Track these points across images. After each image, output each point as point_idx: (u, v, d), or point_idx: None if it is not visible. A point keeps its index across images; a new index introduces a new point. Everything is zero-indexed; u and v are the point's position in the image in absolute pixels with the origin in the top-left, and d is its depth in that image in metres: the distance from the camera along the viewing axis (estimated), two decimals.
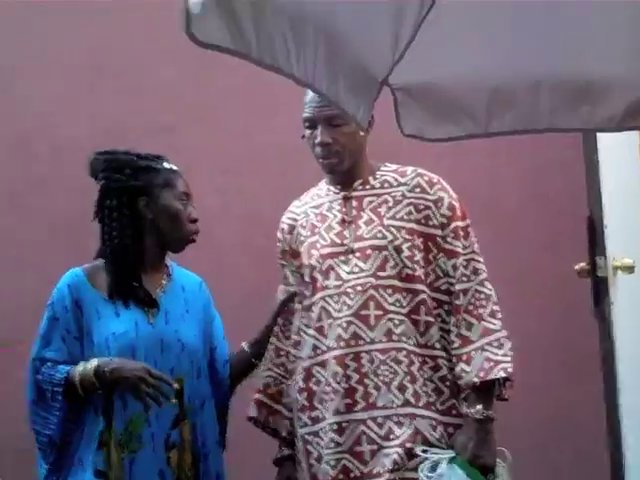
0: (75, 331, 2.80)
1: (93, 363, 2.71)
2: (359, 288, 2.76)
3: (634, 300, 3.68)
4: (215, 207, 4.15)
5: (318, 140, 2.81)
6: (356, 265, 2.79)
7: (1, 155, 4.37)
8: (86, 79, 4.37)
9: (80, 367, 2.73)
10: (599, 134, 3.61)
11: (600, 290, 3.66)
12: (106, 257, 2.86)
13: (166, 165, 2.91)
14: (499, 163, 4.41)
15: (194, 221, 2.89)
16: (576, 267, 3.71)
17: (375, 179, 2.88)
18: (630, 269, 3.65)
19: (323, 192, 2.95)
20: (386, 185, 2.87)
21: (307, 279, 2.87)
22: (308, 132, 2.85)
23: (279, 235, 3.01)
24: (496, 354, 2.72)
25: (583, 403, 4.16)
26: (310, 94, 2.82)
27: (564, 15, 2.25)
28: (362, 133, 2.80)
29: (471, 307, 2.77)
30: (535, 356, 4.06)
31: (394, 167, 2.92)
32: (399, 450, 2.67)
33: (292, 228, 2.96)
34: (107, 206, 2.86)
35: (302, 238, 2.92)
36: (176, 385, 2.73)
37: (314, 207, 2.94)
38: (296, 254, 2.93)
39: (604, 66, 2.35)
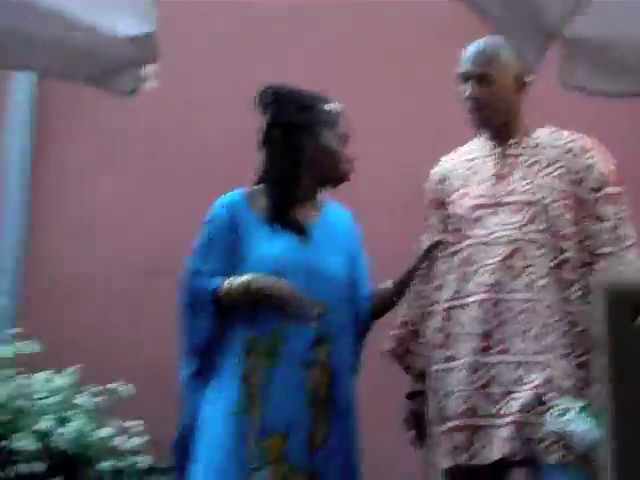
0: (229, 248, 2.93)
1: (245, 278, 2.85)
2: (506, 239, 2.87)
3: None
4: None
5: (467, 94, 2.94)
6: (505, 218, 2.90)
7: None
8: None
9: (232, 280, 2.86)
10: None
11: None
12: (266, 183, 3.00)
13: (331, 105, 3.04)
14: None
15: (351, 161, 3.02)
16: None
17: (531, 139, 2.99)
18: None
19: (478, 146, 3.06)
20: (541, 146, 2.97)
21: (455, 227, 2.98)
22: (462, 87, 2.98)
23: (429, 185, 3.13)
24: None
25: None
26: (467, 51, 2.97)
27: None
28: (527, 80, 2.94)
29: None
30: None
31: (550, 130, 3.02)
32: (530, 393, 2.76)
33: (443, 179, 3.08)
34: (272, 137, 2.99)
35: (453, 189, 3.04)
36: (319, 309, 2.85)
37: (468, 160, 3.06)
38: (445, 204, 3.05)
39: None
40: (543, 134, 3.02)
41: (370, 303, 3.10)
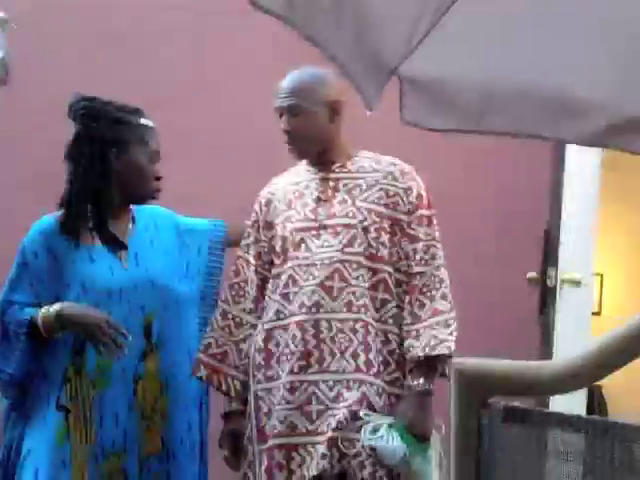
0: (46, 277, 2.90)
1: (56, 307, 2.83)
2: (326, 261, 2.96)
3: (578, 312, 3.95)
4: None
5: (282, 127, 3.04)
6: (326, 240, 2.99)
7: None
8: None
9: (44, 310, 2.85)
10: (567, 156, 3.89)
11: (547, 299, 3.93)
12: (76, 201, 2.93)
13: (142, 121, 2.99)
14: (471, 175, 4.59)
15: (158, 179, 3.00)
16: (528, 275, 3.97)
17: (352, 164, 3.09)
18: (577, 283, 3.93)
19: (303, 171, 3.15)
20: (362, 170, 3.08)
21: (278, 249, 3.06)
22: (279, 119, 3.06)
23: (256, 207, 3.19)
24: (442, 333, 2.93)
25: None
26: (280, 85, 3.05)
27: (555, 29, 2.46)
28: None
29: (425, 289, 2.98)
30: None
31: (370, 154, 3.14)
32: (345, 411, 2.88)
33: (269, 201, 3.15)
34: (79, 151, 2.93)
35: (278, 212, 3.11)
36: (129, 337, 2.83)
37: (293, 184, 3.14)
38: (270, 226, 3.12)
39: (590, 82, 2.55)
40: (365, 159, 3.13)
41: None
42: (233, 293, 3.12)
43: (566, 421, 1.94)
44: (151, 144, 2.99)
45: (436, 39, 2.38)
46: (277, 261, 3.07)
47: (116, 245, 2.96)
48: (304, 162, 3.17)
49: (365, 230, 2.99)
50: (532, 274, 3.97)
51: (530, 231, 4.23)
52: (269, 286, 3.07)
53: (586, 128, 2.58)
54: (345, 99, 3.02)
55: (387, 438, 2.84)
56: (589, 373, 1.92)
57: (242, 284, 3.12)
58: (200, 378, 3.08)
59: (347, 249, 2.98)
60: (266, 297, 3.07)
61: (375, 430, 2.85)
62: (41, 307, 2.86)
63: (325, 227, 3.01)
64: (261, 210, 3.17)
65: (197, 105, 4.34)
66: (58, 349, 2.89)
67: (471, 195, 4.48)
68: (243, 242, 3.17)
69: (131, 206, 3.05)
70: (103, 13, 4.37)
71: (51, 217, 2.98)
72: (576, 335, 3.92)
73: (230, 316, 3.11)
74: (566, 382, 1.95)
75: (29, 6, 4.23)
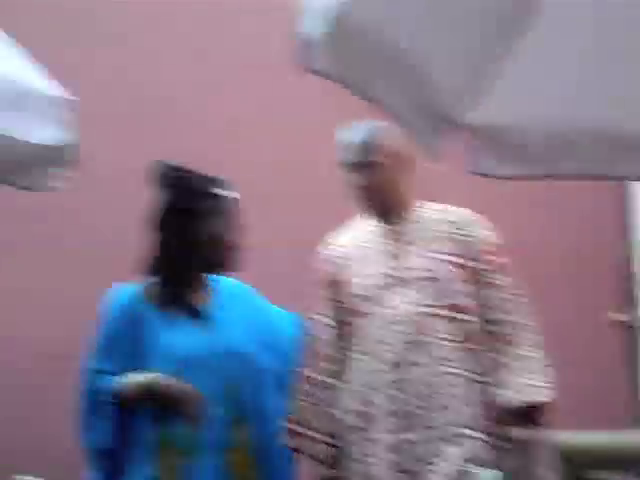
0: (129, 344, 2.91)
1: (141, 377, 2.84)
2: (414, 317, 2.91)
3: None
4: None
5: (357, 183, 3.00)
6: (407, 295, 2.94)
7: None
8: None
9: (129, 379, 2.85)
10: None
11: (631, 340, 3.81)
12: (159, 268, 2.97)
13: (225, 192, 3.01)
14: (536, 214, 4.54)
15: (235, 248, 2.98)
16: (611, 317, 3.86)
17: (419, 215, 3.05)
18: None
19: (366, 224, 3.10)
20: (430, 221, 3.05)
21: (356, 306, 3.00)
22: (348, 176, 3.03)
23: (324, 266, 3.12)
24: (538, 380, 2.87)
25: None
26: (347, 139, 3.02)
27: (619, 65, 2.41)
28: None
29: (516, 337, 2.92)
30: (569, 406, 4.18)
31: (434, 205, 3.10)
32: (451, 468, 2.83)
33: (338, 259, 3.09)
34: (163, 220, 2.96)
35: (349, 269, 3.06)
36: (217, 411, 2.83)
37: (360, 239, 3.09)
38: (341, 284, 3.06)
39: None
40: (429, 209, 3.09)
41: (299, 337, 3.08)
42: (314, 357, 3.06)
43: None
44: (231, 215, 3.00)
45: (497, 86, 2.35)
46: (356, 318, 3.00)
47: (194, 313, 2.96)
48: (363, 217, 3.12)
49: (447, 282, 2.94)
50: (615, 315, 3.86)
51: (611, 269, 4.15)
52: (348, 344, 3.01)
53: None
54: (414, 151, 2.98)
55: None
56: None
57: (323, 347, 3.06)
58: (291, 447, 3.03)
59: (432, 302, 2.93)
60: (348, 354, 3.01)
61: None
62: (126, 376, 2.86)
63: (405, 281, 2.96)
64: (330, 269, 3.11)
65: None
66: (145, 419, 2.88)
67: (538, 240, 4.43)
68: (319, 302, 3.10)
69: (211, 276, 3.05)
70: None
71: (131, 285, 3.00)
72: None
73: (315, 381, 3.05)
74: None
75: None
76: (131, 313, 2.94)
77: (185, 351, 2.90)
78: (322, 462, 3.04)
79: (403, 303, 2.94)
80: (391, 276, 2.98)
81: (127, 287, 3.01)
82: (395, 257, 3.01)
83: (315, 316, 3.11)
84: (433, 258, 2.97)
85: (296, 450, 3.05)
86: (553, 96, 2.44)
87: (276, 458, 2.98)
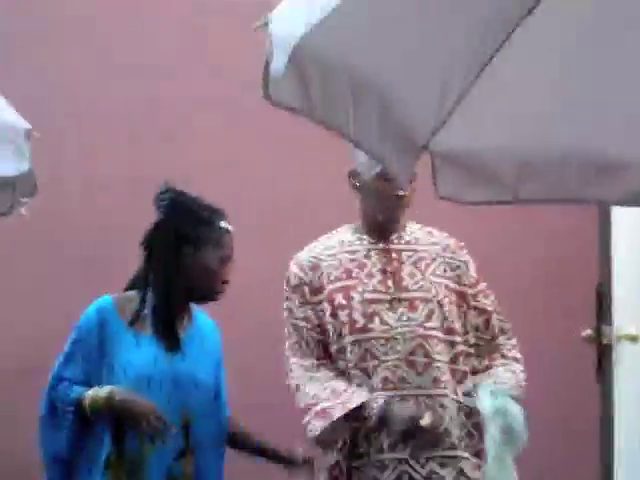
0: (96, 355, 2.91)
1: (106, 390, 2.83)
2: (408, 335, 2.94)
3: (636, 368, 3.82)
4: None
5: (399, 192, 2.95)
6: (403, 314, 2.98)
7: None
8: None
9: (93, 391, 2.84)
10: None
11: (604, 357, 3.81)
12: (146, 287, 2.96)
13: (222, 224, 2.99)
14: (513, 229, 4.54)
15: (225, 282, 2.98)
16: (583, 334, 3.86)
17: (408, 235, 3.08)
18: (634, 339, 3.80)
19: (355, 239, 3.09)
20: (420, 242, 3.09)
21: (344, 319, 2.99)
22: (380, 183, 2.97)
23: (296, 270, 3.08)
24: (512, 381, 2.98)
25: (579, 467, 4.27)
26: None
27: (587, 90, 2.42)
28: (402, 193, 2.98)
29: (501, 358, 3.03)
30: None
31: (419, 226, 3.13)
32: None
33: (316, 266, 3.06)
34: (156, 240, 2.96)
35: (330, 278, 3.03)
36: (174, 429, 2.81)
37: (347, 252, 3.07)
38: (318, 291, 3.04)
39: (626, 141, 2.49)
40: (417, 230, 3.12)
41: (227, 412, 3.08)
42: (299, 350, 3.03)
43: None
44: (226, 248, 2.98)
45: (464, 111, 2.35)
46: (344, 330, 2.99)
47: (171, 340, 2.94)
48: (345, 229, 3.12)
49: (440, 304, 2.99)
50: (587, 332, 3.85)
51: (582, 284, 4.14)
52: (340, 358, 2.99)
53: (627, 187, 2.51)
54: None
55: None
56: None
57: (302, 344, 3.03)
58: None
59: (427, 324, 2.97)
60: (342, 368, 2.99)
61: None
62: (90, 387, 2.86)
63: (400, 300, 2.99)
64: (306, 274, 3.07)
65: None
66: (102, 432, 2.87)
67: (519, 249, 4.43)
68: (286, 305, 3.08)
69: (192, 304, 3.04)
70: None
71: (108, 297, 2.99)
72: (638, 395, 3.79)
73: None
74: None
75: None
76: (101, 324, 2.93)
77: (146, 371, 2.88)
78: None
79: (399, 321, 2.96)
80: (385, 293, 3.00)
81: (103, 298, 3.00)
82: (388, 275, 3.02)
83: (288, 318, 3.07)
84: (430, 281, 3.01)
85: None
86: (521, 121, 2.45)
87: None
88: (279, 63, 1.66)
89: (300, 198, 4.44)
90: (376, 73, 2.01)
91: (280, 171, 4.47)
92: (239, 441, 3.08)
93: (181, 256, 2.95)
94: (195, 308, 3.07)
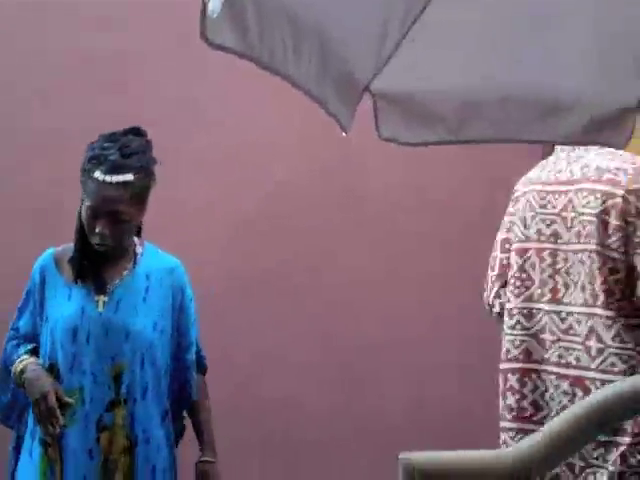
0: (39, 309, 2.98)
1: (22, 364, 2.92)
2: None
3: None
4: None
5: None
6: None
7: None
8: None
9: (18, 361, 2.94)
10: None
11: None
12: (75, 237, 2.98)
13: (97, 174, 2.85)
14: (461, 171, 4.53)
15: (101, 235, 2.87)
16: None
17: None
18: None
19: None
20: None
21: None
22: None
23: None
24: None
25: None
26: None
27: (531, 30, 2.43)
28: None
29: None
30: None
31: None
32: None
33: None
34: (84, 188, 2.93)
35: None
36: (72, 401, 2.86)
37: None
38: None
39: (570, 81, 2.52)
40: None
41: (194, 356, 3.11)
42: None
43: None
44: (96, 199, 2.85)
45: (405, 52, 2.35)
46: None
47: (96, 287, 2.94)
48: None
49: None
50: None
51: None
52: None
53: (567, 127, 2.55)
54: None
55: None
56: (539, 467, 1.80)
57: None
58: None
59: None
60: None
61: None
62: (37, 341, 2.96)
63: None
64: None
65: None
66: None
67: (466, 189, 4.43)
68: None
69: (139, 249, 3.02)
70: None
71: (51, 249, 3.03)
72: None
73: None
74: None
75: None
76: (42, 276, 2.98)
77: (73, 323, 2.90)
78: None
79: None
80: None
81: (48, 251, 3.04)
82: None
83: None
84: None
85: None
86: (459, 61, 2.46)
87: (153, 442, 2.97)
88: (215, 3, 1.66)
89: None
90: (315, 13, 2.00)
91: (232, 114, 4.43)
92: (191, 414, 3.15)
93: (81, 206, 2.93)
94: (149, 250, 3.04)
